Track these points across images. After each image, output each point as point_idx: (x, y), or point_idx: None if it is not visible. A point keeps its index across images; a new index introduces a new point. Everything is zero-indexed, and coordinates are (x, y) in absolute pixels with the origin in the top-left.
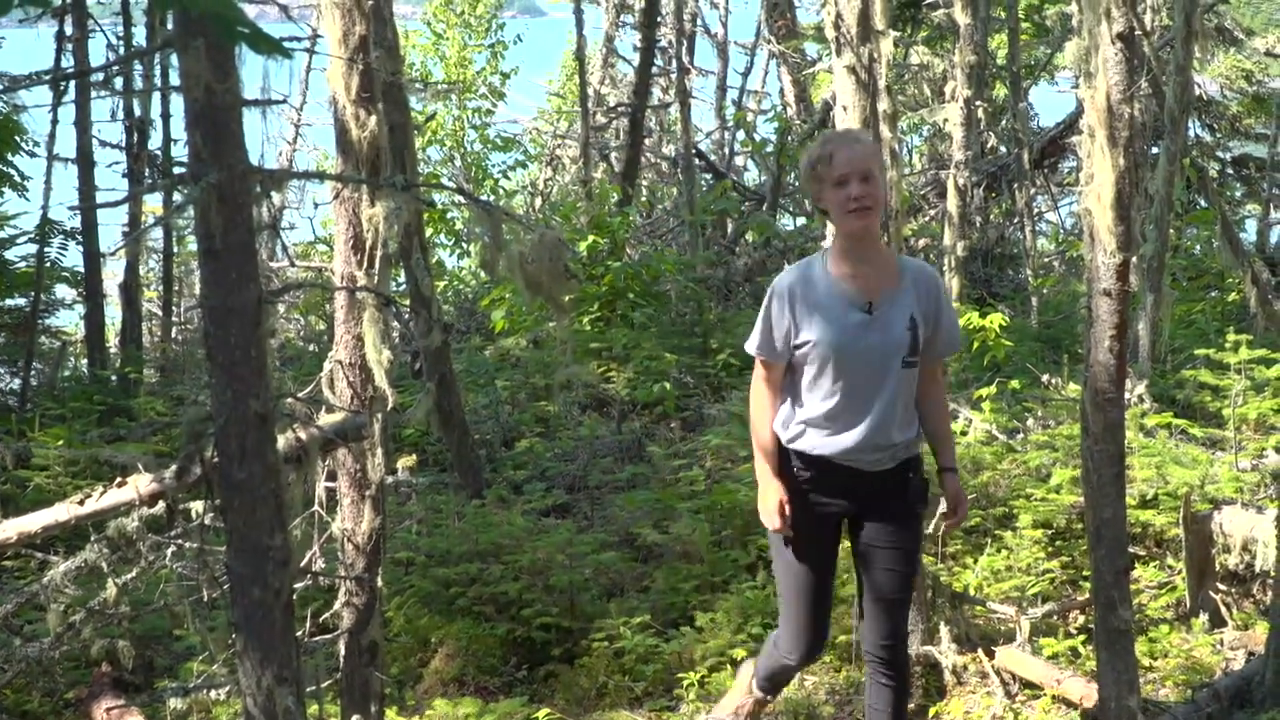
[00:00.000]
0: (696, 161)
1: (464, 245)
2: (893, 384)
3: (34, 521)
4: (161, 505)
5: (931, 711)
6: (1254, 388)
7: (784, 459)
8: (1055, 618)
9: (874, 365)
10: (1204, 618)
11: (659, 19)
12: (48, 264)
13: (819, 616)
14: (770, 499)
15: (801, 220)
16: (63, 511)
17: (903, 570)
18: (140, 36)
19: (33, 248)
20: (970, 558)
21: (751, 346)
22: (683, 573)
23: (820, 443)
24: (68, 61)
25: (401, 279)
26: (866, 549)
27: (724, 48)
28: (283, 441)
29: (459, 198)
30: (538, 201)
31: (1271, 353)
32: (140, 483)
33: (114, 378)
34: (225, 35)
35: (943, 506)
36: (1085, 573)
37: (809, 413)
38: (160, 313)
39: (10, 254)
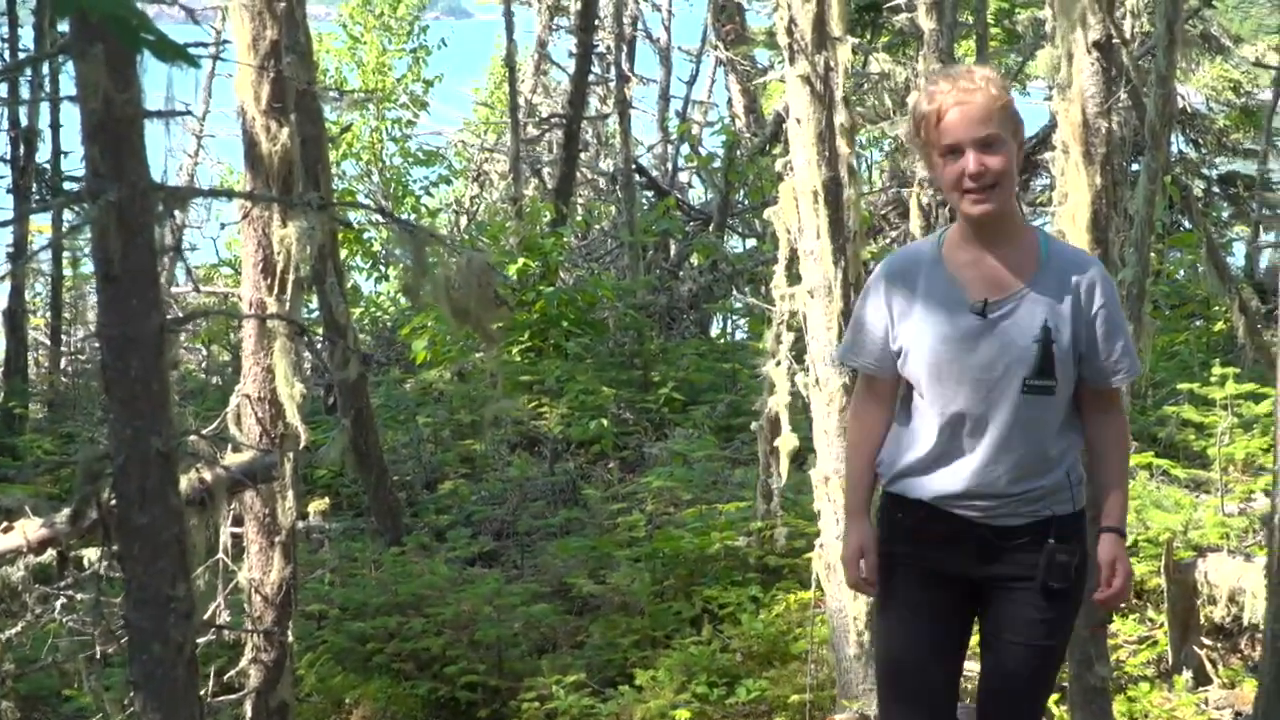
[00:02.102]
0: (637, 177)
1: (382, 269)
2: (1009, 413)
3: None
4: (52, 553)
5: None
6: (1241, 425)
7: (889, 502)
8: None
9: (983, 386)
10: (1187, 675)
11: (596, 22)
12: None
13: (915, 714)
14: (849, 544)
15: (751, 242)
16: None
17: (1025, 667)
18: (27, 39)
19: None
20: None
21: (839, 350)
22: (621, 626)
23: (917, 483)
24: None
25: (315, 305)
26: (987, 632)
27: (667, 54)
28: (186, 483)
29: (378, 217)
30: (463, 221)
31: (1260, 387)
32: (28, 528)
33: None
34: (127, 41)
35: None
36: None
37: (910, 445)
38: (48, 342)
39: None
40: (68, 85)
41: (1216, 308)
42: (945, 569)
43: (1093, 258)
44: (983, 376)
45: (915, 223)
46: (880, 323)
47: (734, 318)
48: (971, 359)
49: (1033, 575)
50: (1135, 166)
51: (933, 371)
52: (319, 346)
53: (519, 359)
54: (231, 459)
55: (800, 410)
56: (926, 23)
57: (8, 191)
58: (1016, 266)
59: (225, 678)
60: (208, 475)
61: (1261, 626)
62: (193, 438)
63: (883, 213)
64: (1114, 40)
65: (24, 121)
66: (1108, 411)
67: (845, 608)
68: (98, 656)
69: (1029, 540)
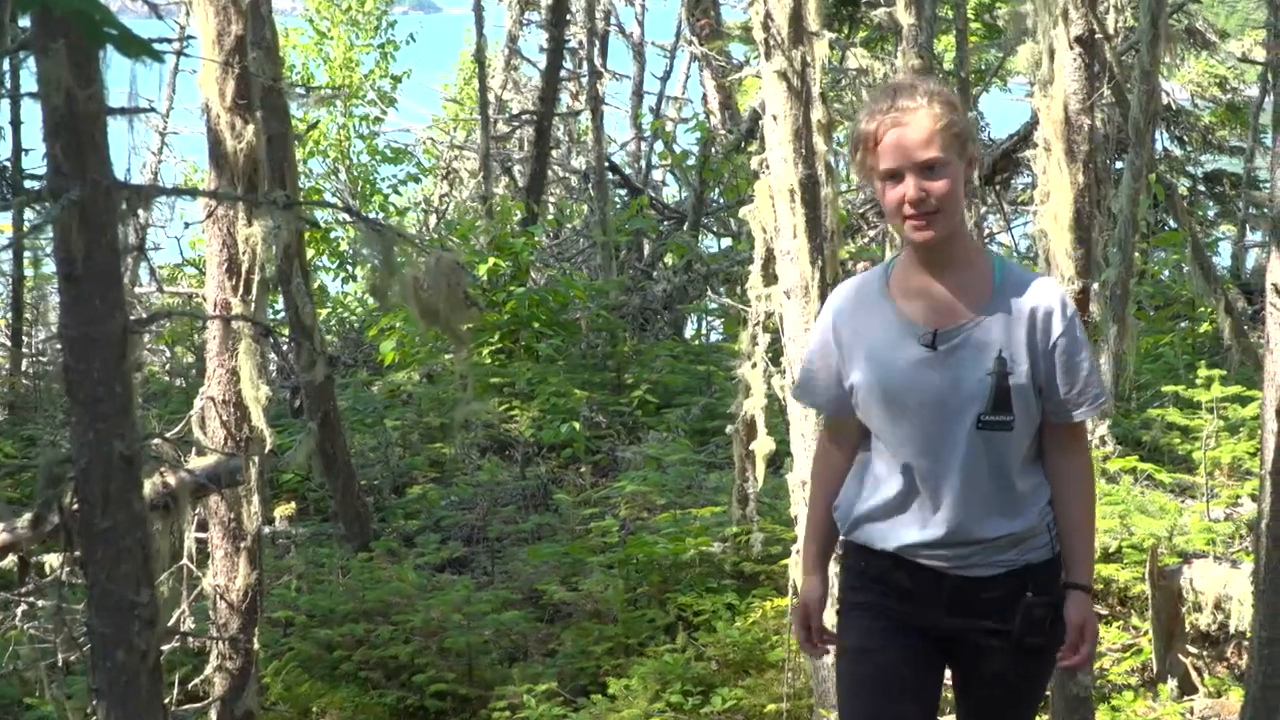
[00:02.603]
0: (610, 175)
1: (350, 269)
2: (966, 452)
3: None
4: (12, 558)
5: None
6: (1228, 428)
7: (850, 551)
8: None
9: (938, 423)
10: (1172, 684)
11: (568, 16)
12: None
13: None
14: (800, 601)
15: (727, 241)
16: None
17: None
18: None
19: None
20: None
21: (794, 388)
22: (594, 634)
23: (880, 531)
24: None
25: (280, 306)
26: (960, 687)
27: (640, 49)
28: (149, 487)
29: (345, 216)
30: (432, 220)
31: (1246, 389)
32: None
33: None
34: (91, 37)
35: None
36: None
37: (869, 489)
38: (9, 343)
39: None
40: (29, 82)
41: (1202, 309)
42: (913, 621)
43: (1052, 282)
44: (936, 413)
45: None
46: (829, 360)
47: (709, 319)
48: (921, 395)
49: (1008, 629)
50: (1119, 164)
51: (884, 409)
52: (285, 348)
53: (489, 361)
54: (196, 463)
55: (776, 413)
56: (905, 17)
57: None
58: (968, 294)
59: (190, 686)
60: (172, 479)
61: (1248, 634)
62: (156, 441)
63: (861, 211)
64: (1096, 35)
65: None
66: (1069, 451)
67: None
68: (59, 664)
69: (1004, 592)
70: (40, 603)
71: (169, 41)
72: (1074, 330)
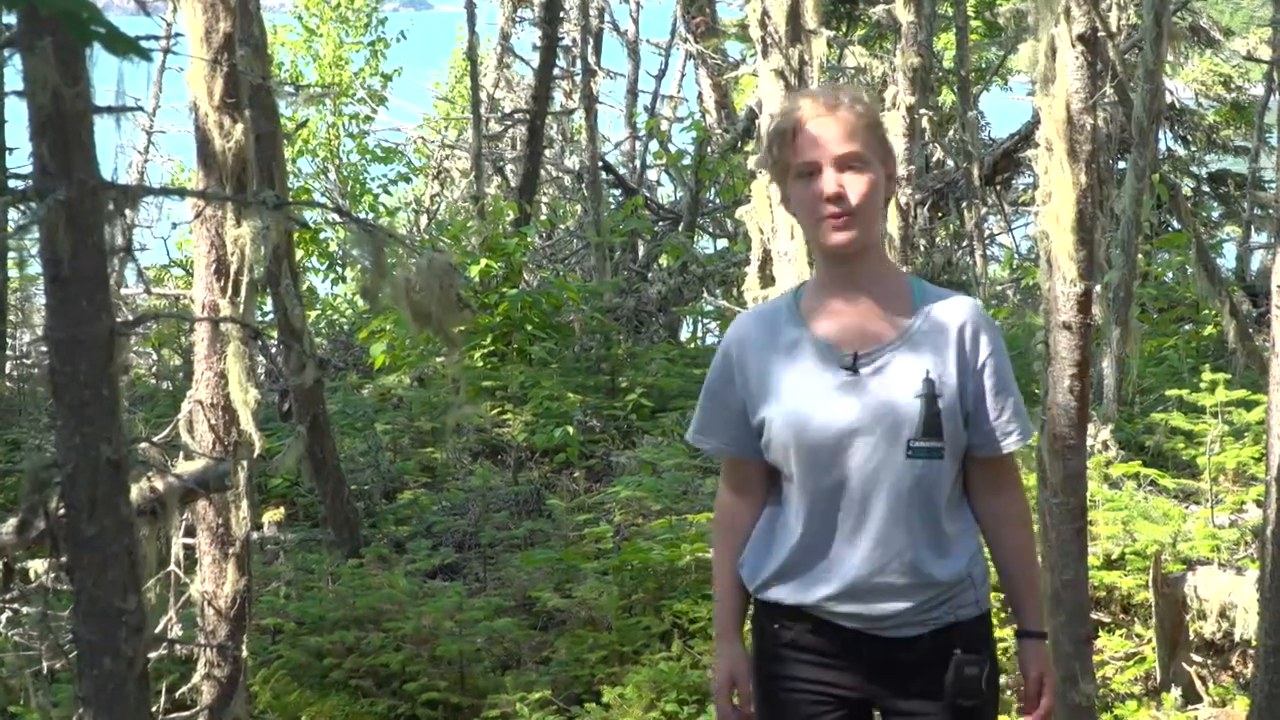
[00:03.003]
0: (604, 175)
1: (340, 270)
2: (894, 484)
3: None
4: None
5: None
6: (1232, 433)
7: (761, 612)
8: (1008, 694)
9: (860, 453)
10: (1176, 693)
11: (561, 14)
12: None
13: None
14: (717, 671)
15: (723, 242)
16: None
17: None
18: None
19: None
20: None
21: (689, 431)
22: (588, 642)
23: (791, 587)
24: None
25: (269, 308)
26: None
27: (635, 47)
28: (136, 492)
29: (334, 216)
30: (423, 220)
31: (1252, 393)
32: None
33: None
34: (78, 35)
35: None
36: None
37: (779, 541)
38: None
39: None
40: (14, 80)
41: (1206, 311)
42: (834, 690)
43: (972, 301)
44: (859, 442)
45: (892, 222)
46: (732, 395)
47: (705, 321)
48: (844, 422)
49: (938, 693)
50: (1122, 165)
51: (799, 442)
52: (274, 351)
53: (481, 364)
54: (183, 467)
55: None
56: (904, 15)
57: None
58: (888, 313)
59: (177, 694)
60: (159, 484)
61: (1253, 642)
62: (143, 445)
63: None
64: (1099, 33)
65: None
66: (1003, 488)
67: None
68: (45, 672)
69: (930, 652)
70: (25, 609)
71: (156, 39)
72: (1001, 352)
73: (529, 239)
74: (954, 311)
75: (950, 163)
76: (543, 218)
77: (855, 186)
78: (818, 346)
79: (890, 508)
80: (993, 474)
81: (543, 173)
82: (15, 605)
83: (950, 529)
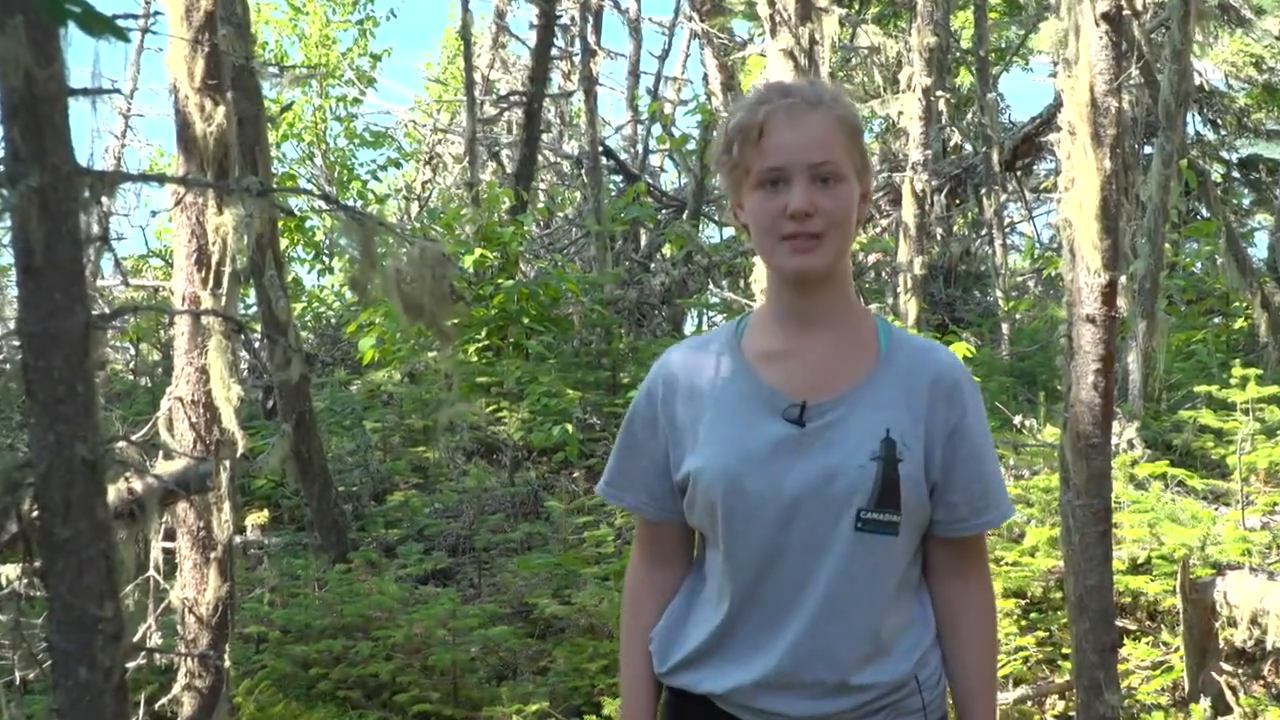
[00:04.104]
0: (604, 161)
1: (326, 260)
2: (838, 564)
3: None
4: None
5: None
6: (1264, 431)
7: (670, 703)
8: (1030, 703)
9: (801, 522)
10: (1205, 703)
11: None
12: None
13: None
14: None
15: (729, 232)
16: None
17: None
18: None
19: None
20: None
21: (600, 484)
22: (588, 651)
23: (706, 674)
24: None
25: (252, 300)
26: None
27: (637, 25)
28: (114, 493)
29: (321, 203)
30: (414, 208)
31: None
32: None
33: None
34: (52, 14)
35: None
36: (1065, 650)
37: (697, 618)
38: None
39: None
40: None
41: (1237, 303)
42: None
43: (949, 353)
44: (801, 509)
45: (908, 210)
46: (655, 443)
47: (710, 314)
48: (784, 484)
49: None
50: (1148, 150)
51: (729, 506)
52: (257, 345)
53: (476, 359)
54: (163, 467)
55: None
56: None
57: None
58: (848, 358)
59: (157, 706)
60: (138, 485)
61: None
62: (121, 444)
63: (873, 199)
64: (1125, 11)
65: None
66: (966, 574)
67: None
68: (18, 683)
69: None
70: None
71: (134, 18)
72: (981, 412)
73: (526, 228)
74: (926, 362)
75: (968, 147)
76: (540, 205)
77: (827, 204)
78: (759, 392)
79: (830, 589)
80: (955, 557)
81: (540, 158)
82: None
83: (897, 620)
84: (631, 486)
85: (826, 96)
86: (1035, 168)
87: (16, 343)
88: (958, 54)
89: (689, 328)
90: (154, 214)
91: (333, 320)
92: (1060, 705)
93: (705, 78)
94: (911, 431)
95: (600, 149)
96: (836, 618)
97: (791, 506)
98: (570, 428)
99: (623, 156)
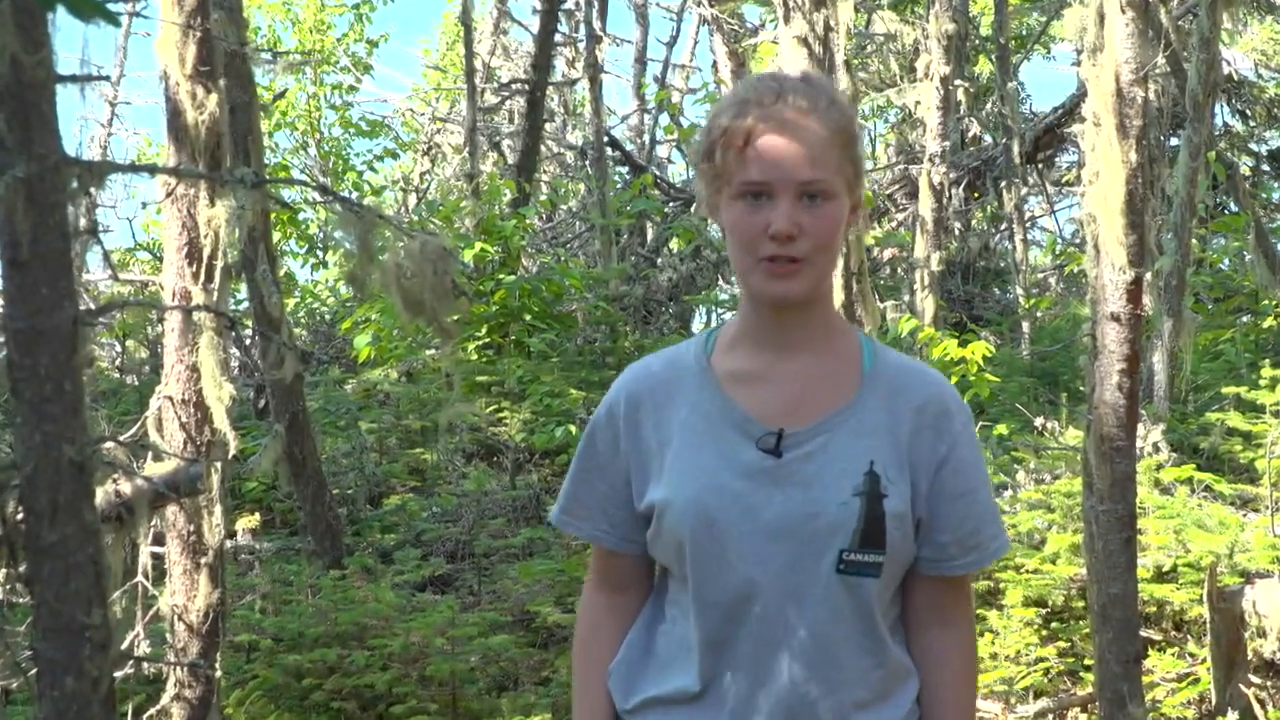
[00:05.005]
0: (609, 151)
1: (321, 254)
2: (817, 608)
3: None
4: None
5: None
6: None
7: None
8: (1051, 717)
9: (775, 562)
10: (1233, 716)
11: None
12: None
13: None
14: None
15: None
16: None
17: None
18: None
19: None
20: None
21: (554, 511)
22: None
23: (669, 716)
24: None
25: (244, 295)
26: None
27: (644, 11)
28: (101, 496)
29: (316, 195)
30: (412, 200)
31: None
32: None
33: None
34: None
35: None
36: (1088, 661)
37: (661, 660)
38: None
39: None
40: None
41: (1266, 301)
42: None
43: (939, 376)
44: (775, 548)
45: (925, 203)
46: (615, 468)
47: (719, 311)
48: (758, 519)
49: None
50: (1175, 141)
51: (698, 541)
52: (250, 342)
53: (476, 357)
54: (152, 469)
55: None
56: None
57: None
58: (828, 381)
59: (145, 717)
60: (126, 487)
61: None
62: (109, 445)
63: (888, 192)
64: None
65: None
66: (950, 619)
67: None
68: (1, 692)
69: None
70: None
71: (124, 1)
72: (973, 441)
73: (528, 221)
74: (912, 385)
75: (988, 138)
76: (543, 198)
77: (814, 226)
78: (732, 418)
79: (811, 635)
80: (939, 599)
81: (543, 149)
82: None
83: (889, 668)
84: (590, 515)
85: (822, 101)
86: (1057, 160)
87: (2, 339)
88: (977, 41)
89: (697, 325)
90: (143, 206)
91: (327, 317)
92: (1083, 719)
93: (715, 65)
94: (895, 463)
95: (605, 139)
96: (821, 667)
97: (767, 545)
98: (573, 429)
99: (629, 147)
